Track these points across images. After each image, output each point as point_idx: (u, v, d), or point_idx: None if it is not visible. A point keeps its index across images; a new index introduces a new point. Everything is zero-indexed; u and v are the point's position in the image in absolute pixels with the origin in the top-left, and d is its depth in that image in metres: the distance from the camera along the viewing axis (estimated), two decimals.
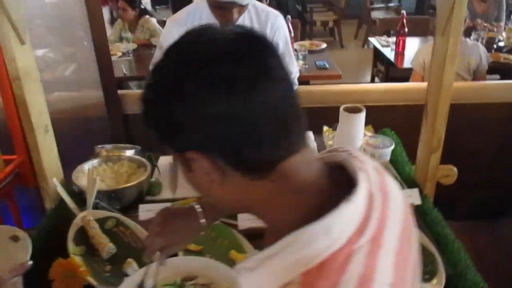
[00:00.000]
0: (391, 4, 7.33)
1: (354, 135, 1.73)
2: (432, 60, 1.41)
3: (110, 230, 1.33)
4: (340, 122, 1.76)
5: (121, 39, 4.15)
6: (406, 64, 3.67)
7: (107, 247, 1.23)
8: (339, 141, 1.78)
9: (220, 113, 0.51)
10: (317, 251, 0.51)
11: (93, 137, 2.58)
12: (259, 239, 1.42)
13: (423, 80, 3.20)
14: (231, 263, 1.25)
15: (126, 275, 1.17)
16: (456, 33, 1.28)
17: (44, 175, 1.49)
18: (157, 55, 1.84)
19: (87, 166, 1.67)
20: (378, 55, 4.36)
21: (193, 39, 0.55)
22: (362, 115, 1.71)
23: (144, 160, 1.75)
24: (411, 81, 3.30)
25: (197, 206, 0.93)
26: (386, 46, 3.97)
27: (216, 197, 0.61)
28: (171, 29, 1.82)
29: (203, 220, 0.92)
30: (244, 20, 1.72)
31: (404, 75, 3.51)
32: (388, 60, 3.87)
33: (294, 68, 2.10)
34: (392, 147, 1.73)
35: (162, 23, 4.71)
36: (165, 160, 1.95)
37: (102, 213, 1.39)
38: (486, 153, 2.79)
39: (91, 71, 2.79)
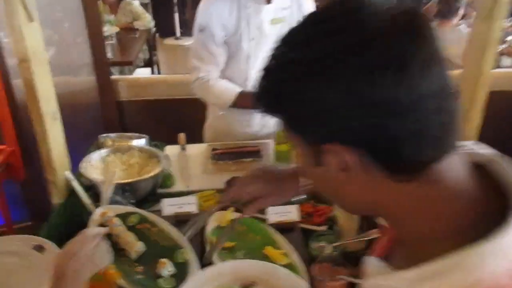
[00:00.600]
0: None
1: None
2: (469, 46, 1.36)
3: (134, 227, 1.22)
4: None
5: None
6: None
7: (136, 246, 1.12)
8: None
9: (384, 99, 0.42)
10: (488, 273, 0.43)
11: (85, 125, 2.42)
12: (289, 232, 1.36)
13: None
14: (267, 260, 1.17)
15: (160, 276, 1.07)
16: (501, 17, 1.23)
17: (53, 167, 1.36)
18: (199, 38, 1.67)
19: (95, 157, 1.54)
20: None
21: (349, 9, 0.45)
22: None
23: (155, 150, 1.63)
24: None
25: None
26: None
27: (345, 196, 0.52)
28: (213, 6, 1.62)
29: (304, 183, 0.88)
30: None
31: None
32: None
33: None
34: None
35: (144, 6, 4.53)
36: (172, 150, 1.84)
37: (122, 209, 1.28)
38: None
39: (75, 55, 2.61)
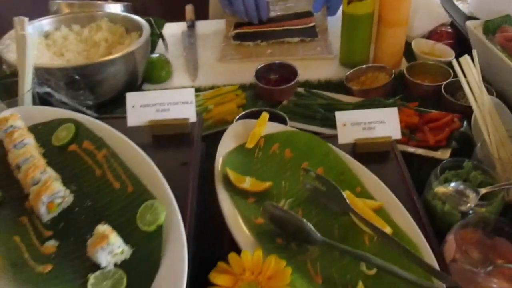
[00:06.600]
0: None
1: None
2: None
3: (63, 150, 0.59)
4: None
5: None
6: None
7: (52, 192, 0.49)
8: None
9: None
10: None
11: None
12: (380, 162, 0.65)
13: None
14: (343, 227, 0.54)
15: (94, 267, 0.45)
16: None
17: None
18: None
19: (33, 29, 0.89)
20: None
21: None
22: None
23: (137, 18, 0.96)
24: None
25: None
26: None
27: None
28: None
29: None
30: None
31: None
32: None
33: None
34: None
35: None
36: (175, 29, 1.17)
37: (48, 113, 0.64)
38: None
39: None
